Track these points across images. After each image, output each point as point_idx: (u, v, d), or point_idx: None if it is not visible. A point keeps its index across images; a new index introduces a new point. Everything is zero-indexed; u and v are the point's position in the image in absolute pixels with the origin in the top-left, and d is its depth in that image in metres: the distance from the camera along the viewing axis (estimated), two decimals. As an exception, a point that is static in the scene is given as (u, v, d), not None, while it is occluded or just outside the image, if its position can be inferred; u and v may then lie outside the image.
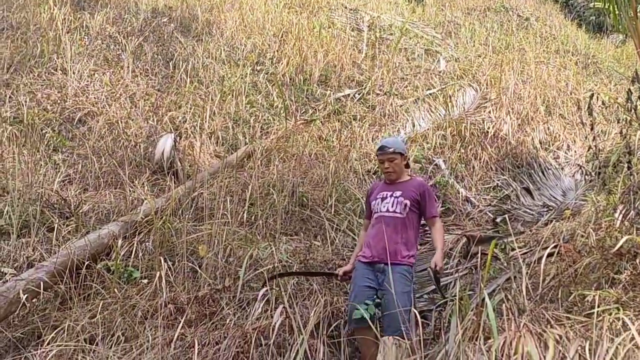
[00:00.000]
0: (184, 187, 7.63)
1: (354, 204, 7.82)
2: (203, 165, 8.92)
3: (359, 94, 13.22)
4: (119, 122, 9.46)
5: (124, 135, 9.21)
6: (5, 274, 6.12)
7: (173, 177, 8.35)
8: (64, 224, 6.88)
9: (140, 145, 9.03)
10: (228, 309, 5.45)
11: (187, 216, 6.81)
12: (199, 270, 5.96)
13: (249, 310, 5.35)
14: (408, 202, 5.34)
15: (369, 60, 14.82)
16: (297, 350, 4.76)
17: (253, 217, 7.01)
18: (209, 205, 6.93)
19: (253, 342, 4.92)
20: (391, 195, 5.42)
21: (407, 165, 5.73)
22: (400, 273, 5.03)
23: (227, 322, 5.28)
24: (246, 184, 7.59)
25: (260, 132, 10.31)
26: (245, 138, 10.00)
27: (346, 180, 8.37)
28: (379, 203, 5.44)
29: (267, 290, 5.36)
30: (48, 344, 5.06)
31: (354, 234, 7.07)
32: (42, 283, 5.65)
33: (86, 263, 6.04)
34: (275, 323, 4.92)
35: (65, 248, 6.18)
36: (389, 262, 4.96)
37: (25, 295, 5.47)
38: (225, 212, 6.72)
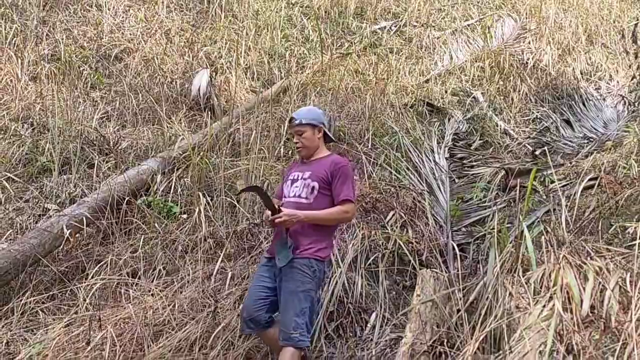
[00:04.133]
0: (220, 122, 7.65)
1: (390, 138, 7.78)
2: (239, 101, 8.92)
3: (395, 27, 13.04)
4: (155, 58, 9.47)
5: (160, 72, 9.23)
6: (49, 209, 6.26)
7: (209, 112, 8.37)
8: (103, 161, 6.99)
9: (176, 82, 9.05)
10: (266, 243, 5.51)
11: (224, 152, 6.84)
12: (237, 205, 6.02)
13: (287, 244, 5.41)
14: (316, 185, 4.44)
15: (405, -9, 14.57)
16: (336, 282, 4.83)
17: (290, 152, 7.03)
18: (246, 140, 6.95)
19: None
20: (301, 177, 4.56)
21: (328, 140, 4.79)
22: (297, 268, 4.19)
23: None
24: (282, 119, 7.58)
25: (296, 66, 10.26)
26: (281, 73, 9.95)
27: (383, 114, 8.31)
28: (289, 187, 4.59)
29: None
30: (92, 277, 5.19)
31: (391, 168, 7.04)
32: (84, 218, 5.77)
33: (126, 199, 6.14)
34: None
35: (105, 184, 6.29)
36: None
37: (69, 231, 5.61)
38: (262, 147, 6.74)
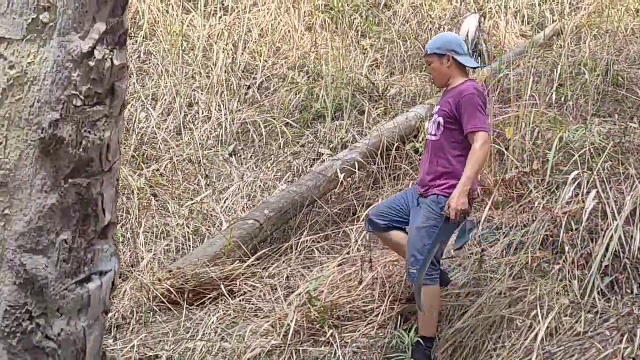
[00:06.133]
0: (489, 68, 7.47)
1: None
2: (508, 46, 8.65)
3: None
4: (423, 4, 9.44)
5: (428, 18, 9.19)
6: (323, 154, 6.55)
7: (478, 58, 8.20)
8: (373, 107, 7.14)
9: (444, 28, 8.95)
10: (536, 193, 5.32)
11: (492, 98, 6.68)
12: (506, 153, 5.86)
13: (558, 194, 5.17)
14: (441, 120, 4.25)
15: None
16: (611, 237, 4.55)
17: (562, 99, 6.69)
18: (516, 86, 6.73)
19: (563, 226, 4.78)
20: (434, 112, 4.44)
21: (461, 65, 4.37)
22: (426, 204, 4.18)
23: (536, 205, 5.18)
24: (555, 64, 7.22)
25: (570, 8, 9.67)
26: (553, 15, 9.46)
27: (668, 56, 7.62)
28: (430, 122, 4.49)
29: (578, 174, 5.13)
30: (363, 220, 5.35)
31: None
32: (355, 163, 5.97)
33: (395, 145, 6.24)
34: (588, 207, 4.72)
35: (375, 130, 6.44)
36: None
37: (343, 175, 5.83)
38: (533, 94, 6.48)
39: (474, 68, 4.88)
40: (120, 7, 1.76)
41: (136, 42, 7.89)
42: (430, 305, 4.18)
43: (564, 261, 4.64)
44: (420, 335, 4.18)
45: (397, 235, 4.46)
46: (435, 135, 4.30)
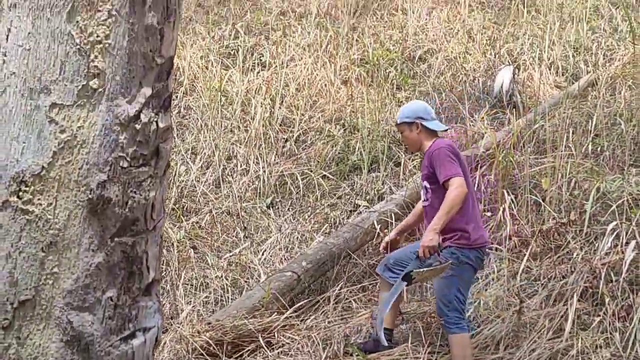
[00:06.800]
0: (524, 119, 7.48)
1: None
2: (543, 97, 8.64)
3: None
4: (457, 57, 9.51)
5: (462, 70, 9.25)
6: (359, 205, 6.58)
7: (513, 109, 8.21)
8: (409, 159, 7.17)
9: (478, 80, 9.00)
10: (574, 243, 5.28)
11: (528, 149, 6.68)
12: (543, 204, 5.83)
13: (596, 244, 5.13)
14: (426, 183, 4.47)
15: None
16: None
17: (599, 149, 6.65)
18: (551, 137, 6.72)
19: (602, 277, 4.73)
20: (420, 178, 4.75)
21: (430, 130, 4.59)
22: (442, 257, 4.28)
23: (574, 256, 5.13)
24: (590, 114, 7.20)
25: (604, 59, 9.66)
26: (587, 66, 9.45)
27: None
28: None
29: (617, 224, 5.08)
30: (400, 271, 5.32)
31: None
32: (392, 214, 5.97)
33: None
34: (627, 258, 4.67)
35: (411, 182, 6.45)
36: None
37: (379, 226, 5.84)
38: (569, 144, 6.46)
39: (444, 130, 4.96)
40: (165, 72, 1.82)
41: (176, 97, 8.05)
42: (462, 356, 4.24)
43: (604, 313, 4.59)
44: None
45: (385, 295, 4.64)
46: (427, 200, 4.51)
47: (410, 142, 4.72)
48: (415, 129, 4.59)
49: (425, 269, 4.25)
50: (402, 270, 4.49)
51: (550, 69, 9.45)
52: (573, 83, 8.87)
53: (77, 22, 1.71)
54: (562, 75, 9.41)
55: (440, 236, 4.18)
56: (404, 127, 4.67)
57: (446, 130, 5.21)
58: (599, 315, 4.57)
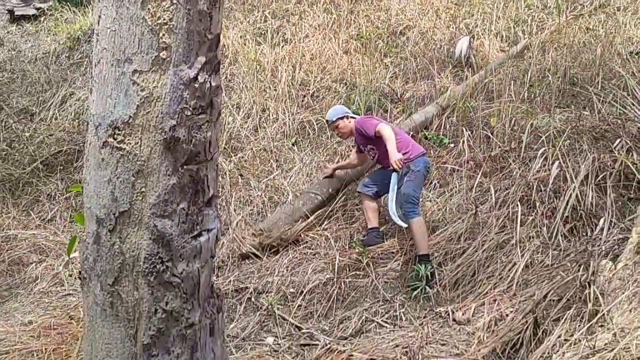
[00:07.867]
0: (477, 75, 7.35)
1: (618, 80, 6.85)
2: (491, 58, 8.45)
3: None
4: (428, 31, 9.27)
5: (432, 41, 9.03)
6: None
7: (469, 69, 8.06)
8: (394, 107, 7.09)
9: (444, 47, 8.79)
10: (514, 165, 5.26)
11: (480, 97, 6.58)
12: (491, 136, 5.79)
13: (531, 165, 5.11)
14: (369, 147, 4.91)
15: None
16: (570, 195, 4.48)
17: (532, 95, 6.54)
18: (497, 88, 6.61)
19: (534, 188, 4.73)
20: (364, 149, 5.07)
21: (351, 117, 5.10)
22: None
23: (514, 174, 5.12)
24: (526, 70, 7.06)
25: (536, 29, 9.38)
26: (524, 35, 9.19)
27: (611, 61, 7.34)
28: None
29: (545, 150, 5.05)
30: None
31: (620, 105, 6.19)
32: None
33: (411, 133, 6.19)
34: (552, 174, 4.66)
35: (396, 124, 6.38)
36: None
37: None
38: (510, 92, 6.37)
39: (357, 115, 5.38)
40: (214, 45, 1.80)
41: (223, 66, 7.93)
42: (422, 232, 4.41)
43: (535, 213, 4.60)
44: (420, 254, 4.39)
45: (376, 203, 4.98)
46: (375, 155, 4.92)
47: (346, 130, 5.02)
48: (346, 120, 5.01)
49: None
50: (375, 185, 4.86)
51: (496, 38, 9.21)
52: (513, 47, 8.67)
53: (149, 9, 1.68)
54: (506, 42, 9.17)
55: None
56: (338, 122, 5.00)
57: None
58: (531, 215, 4.59)
